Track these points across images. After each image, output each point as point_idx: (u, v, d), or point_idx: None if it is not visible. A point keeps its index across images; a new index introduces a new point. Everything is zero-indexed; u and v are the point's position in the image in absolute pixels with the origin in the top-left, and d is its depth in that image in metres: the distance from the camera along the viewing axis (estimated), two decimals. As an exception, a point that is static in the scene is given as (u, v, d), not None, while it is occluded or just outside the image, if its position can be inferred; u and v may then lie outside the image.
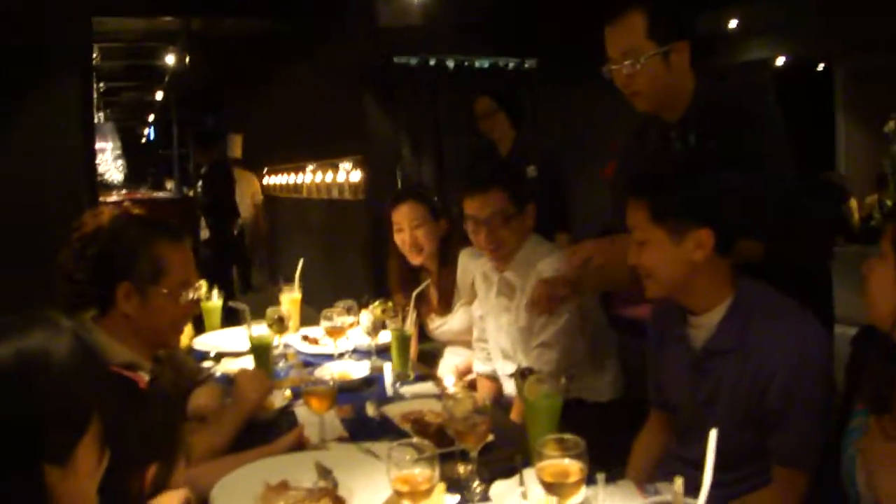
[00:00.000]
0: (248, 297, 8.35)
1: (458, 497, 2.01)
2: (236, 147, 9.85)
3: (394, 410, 2.73)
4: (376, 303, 3.49)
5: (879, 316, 1.82)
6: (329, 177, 9.07)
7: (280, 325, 3.49)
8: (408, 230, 3.73)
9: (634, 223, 2.23)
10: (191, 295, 2.45)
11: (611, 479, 2.00)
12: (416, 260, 3.81)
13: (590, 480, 1.82)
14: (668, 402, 2.49)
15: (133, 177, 23.06)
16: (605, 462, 1.95)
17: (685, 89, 2.70)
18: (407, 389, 3.08)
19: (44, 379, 1.18)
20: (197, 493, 1.77)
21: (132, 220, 2.44)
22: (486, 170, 4.17)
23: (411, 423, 2.57)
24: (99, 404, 1.24)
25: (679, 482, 1.51)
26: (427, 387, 3.12)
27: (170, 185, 19.48)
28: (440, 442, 2.24)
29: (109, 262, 2.30)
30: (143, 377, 1.48)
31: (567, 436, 1.80)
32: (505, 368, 3.35)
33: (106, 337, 2.23)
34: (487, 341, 3.53)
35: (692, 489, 1.60)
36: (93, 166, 6.76)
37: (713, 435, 1.52)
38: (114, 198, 10.48)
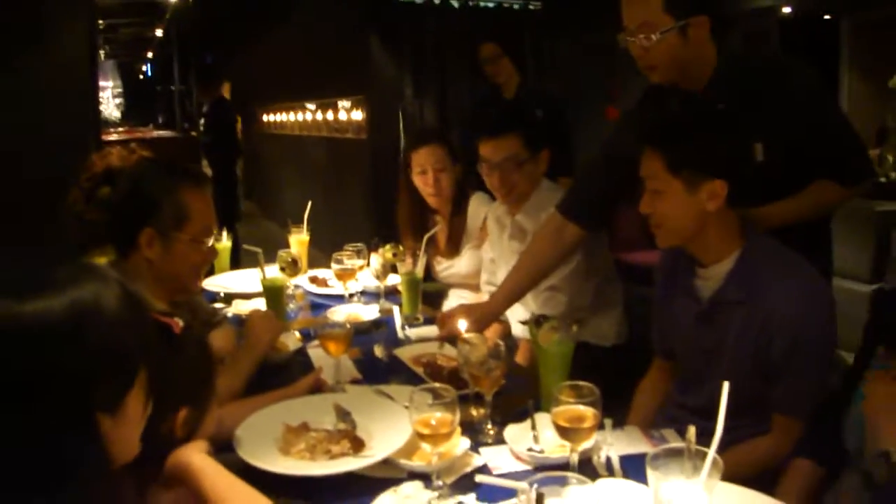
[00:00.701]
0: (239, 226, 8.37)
1: (470, 440, 2.04)
2: (225, 92, 9.82)
3: (405, 353, 2.79)
4: (387, 246, 3.54)
5: None
6: (330, 115, 9.07)
7: (293, 267, 3.52)
8: (431, 172, 3.75)
9: (650, 172, 2.25)
10: (211, 241, 2.47)
11: (617, 425, 2.06)
12: (434, 202, 3.85)
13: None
14: (673, 351, 2.54)
15: (130, 113, 23.03)
16: (610, 407, 2.00)
17: (706, 62, 2.58)
18: (415, 332, 3.13)
19: (97, 330, 1.19)
20: (219, 434, 1.81)
21: (156, 165, 2.45)
22: (501, 113, 4.19)
23: (424, 367, 2.64)
24: (146, 354, 1.27)
25: (692, 431, 1.55)
26: (433, 330, 3.13)
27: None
28: (454, 385, 2.24)
29: (133, 208, 2.31)
30: (178, 322, 1.51)
31: (582, 383, 1.84)
32: (515, 310, 3.36)
33: (126, 278, 2.27)
34: (496, 285, 3.54)
35: (697, 437, 1.64)
36: (96, 106, 6.75)
37: (725, 386, 1.55)
38: (114, 136, 10.43)
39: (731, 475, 1.69)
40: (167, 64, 16.25)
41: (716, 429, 1.52)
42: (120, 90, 22.00)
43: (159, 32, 15.09)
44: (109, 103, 21.04)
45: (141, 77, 24.24)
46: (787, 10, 10.35)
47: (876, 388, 1.87)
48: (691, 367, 2.46)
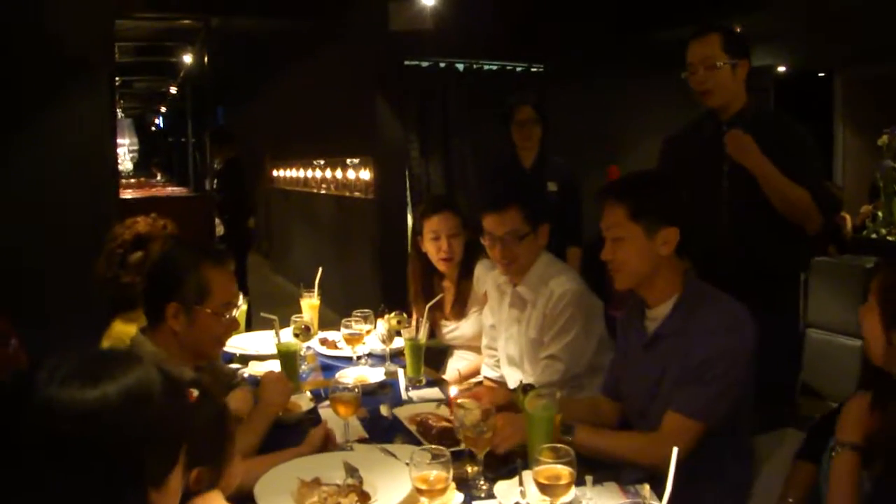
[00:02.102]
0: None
1: (464, 495, 2.29)
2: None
3: (403, 413, 3.03)
4: (392, 314, 3.75)
5: (873, 354, 2.11)
6: (339, 174, 9.28)
7: (307, 334, 3.73)
8: (445, 238, 3.93)
9: (612, 222, 2.65)
10: (233, 313, 2.74)
11: (597, 482, 2.31)
12: (446, 267, 4.02)
13: (579, 482, 2.13)
14: (622, 391, 2.87)
15: (142, 165, 23.24)
16: (594, 464, 2.28)
17: (739, 98, 3.50)
18: (417, 393, 3.36)
19: (145, 413, 1.32)
20: (239, 488, 2.00)
21: (181, 245, 2.74)
22: (505, 187, 4.39)
23: (417, 425, 2.89)
24: (188, 432, 1.42)
25: (646, 488, 1.82)
26: (435, 391, 3.42)
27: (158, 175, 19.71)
28: (441, 442, 2.59)
29: (159, 284, 2.62)
30: (193, 392, 1.71)
31: (560, 445, 2.10)
32: (511, 375, 3.59)
33: (156, 347, 2.54)
34: (496, 349, 3.76)
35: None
36: (115, 167, 7.00)
37: (675, 451, 1.82)
38: (129, 193, 10.65)
39: (604, 455, 2.23)
40: (179, 118, 16.48)
41: (665, 488, 1.78)
42: (136, 147, 22.27)
43: (173, 89, 15.37)
44: (125, 158, 21.30)
45: (154, 129, 24.51)
46: (782, 68, 10.56)
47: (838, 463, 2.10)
48: (636, 405, 2.76)
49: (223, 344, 2.83)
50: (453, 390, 3.09)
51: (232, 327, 2.76)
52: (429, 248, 4.01)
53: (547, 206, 4.53)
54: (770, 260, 3.48)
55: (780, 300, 3.58)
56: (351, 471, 2.31)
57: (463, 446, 2.45)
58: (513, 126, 5.32)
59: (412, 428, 2.90)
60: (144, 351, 2.52)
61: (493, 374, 3.80)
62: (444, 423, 2.81)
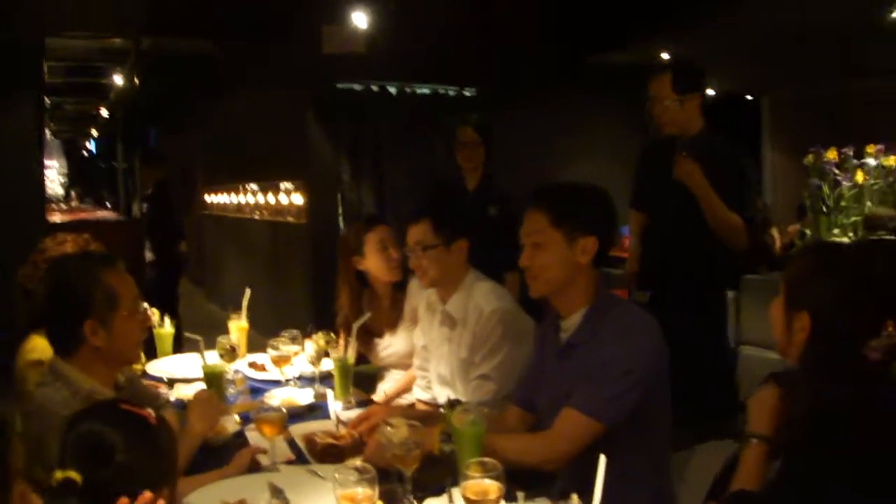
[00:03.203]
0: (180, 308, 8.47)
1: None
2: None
3: (296, 431, 2.97)
4: (319, 333, 3.70)
5: (777, 343, 2.14)
6: (271, 198, 9.22)
7: (232, 354, 3.66)
8: (393, 247, 3.94)
9: (533, 227, 2.69)
10: (140, 307, 2.70)
11: (529, 498, 2.28)
12: (394, 276, 4.02)
13: (510, 498, 2.09)
14: (533, 401, 2.88)
15: (73, 190, 22.93)
16: (526, 482, 2.26)
17: (693, 125, 4.09)
18: (346, 415, 3.28)
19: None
20: None
21: (71, 260, 2.66)
22: (421, 201, 4.40)
23: (305, 442, 2.86)
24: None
25: (574, 499, 1.80)
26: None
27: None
28: (324, 459, 2.69)
29: (68, 309, 2.51)
30: (150, 413, 1.67)
31: (487, 459, 2.07)
32: (443, 395, 3.55)
33: (76, 371, 2.48)
34: (428, 370, 3.74)
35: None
36: (42, 188, 6.88)
37: (602, 460, 1.81)
38: (57, 216, 10.48)
39: (501, 458, 2.09)
40: (111, 142, 16.31)
41: (593, 497, 1.77)
42: (65, 170, 21.98)
43: (104, 111, 15.18)
44: (55, 182, 21.02)
45: (85, 154, 24.20)
46: (711, 91, 10.70)
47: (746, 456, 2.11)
48: (547, 416, 2.72)
49: (140, 344, 2.76)
50: (337, 407, 3.12)
51: (145, 322, 2.80)
52: (375, 260, 3.98)
53: (486, 228, 4.51)
54: (704, 272, 4.03)
55: (713, 316, 3.75)
56: (276, 492, 2.26)
57: (352, 463, 2.39)
58: (456, 147, 5.30)
59: (301, 445, 2.87)
60: (71, 380, 2.45)
61: (424, 396, 3.77)
62: (329, 440, 2.81)
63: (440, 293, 3.56)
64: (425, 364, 3.76)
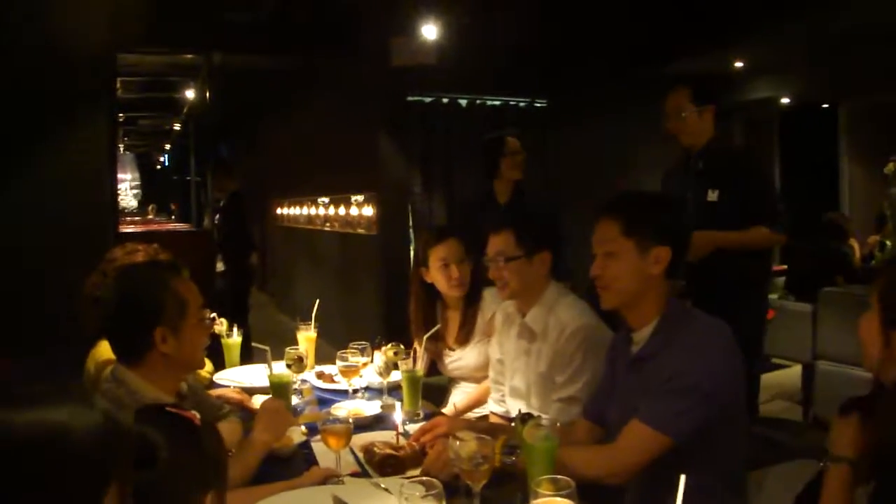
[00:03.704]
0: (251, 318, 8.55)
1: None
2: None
3: (356, 442, 2.87)
4: (389, 345, 3.65)
5: (868, 361, 2.02)
6: (342, 210, 9.24)
7: (299, 364, 3.64)
8: (454, 265, 3.88)
9: (605, 237, 2.62)
10: (206, 314, 2.70)
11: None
12: (457, 293, 3.95)
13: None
14: (604, 414, 2.80)
15: (146, 202, 23.36)
16: (597, 500, 2.17)
17: (706, 134, 4.39)
18: (414, 427, 3.21)
19: (59, 455, 1.16)
20: None
21: (140, 268, 2.64)
22: (503, 211, 4.37)
23: (364, 452, 2.81)
24: (121, 478, 1.24)
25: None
26: (435, 425, 3.30)
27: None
28: (383, 469, 2.64)
29: (138, 316, 2.50)
30: (196, 415, 1.65)
31: (560, 476, 1.99)
32: (516, 408, 3.41)
33: (139, 380, 2.46)
34: (503, 384, 3.65)
35: None
36: (115, 200, 6.96)
37: (682, 479, 1.72)
38: (130, 227, 10.64)
39: (566, 471, 2.01)
40: (184, 155, 16.56)
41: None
42: (138, 182, 22.39)
43: (177, 126, 15.42)
44: (128, 194, 21.41)
45: (158, 167, 24.65)
46: (785, 100, 10.55)
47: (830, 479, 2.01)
48: (618, 430, 2.61)
49: (204, 350, 2.74)
50: (398, 418, 3.05)
51: (210, 327, 2.82)
52: (437, 276, 3.94)
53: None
54: (730, 280, 4.16)
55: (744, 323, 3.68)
56: (340, 505, 2.22)
57: (410, 473, 2.46)
58: (503, 159, 5.41)
59: (360, 455, 2.83)
60: (133, 388, 2.43)
61: (499, 409, 3.69)
62: (389, 451, 2.74)
63: (519, 305, 3.49)
64: (500, 377, 3.68)
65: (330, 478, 2.57)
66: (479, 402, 3.97)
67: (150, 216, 20.35)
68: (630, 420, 2.50)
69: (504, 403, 3.65)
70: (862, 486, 1.91)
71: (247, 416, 3.27)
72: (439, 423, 2.92)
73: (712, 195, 4.27)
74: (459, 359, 4.08)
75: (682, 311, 2.64)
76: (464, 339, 4.03)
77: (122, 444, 1.26)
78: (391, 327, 5.15)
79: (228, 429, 2.89)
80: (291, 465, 2.76)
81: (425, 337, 3.71)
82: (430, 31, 7.20)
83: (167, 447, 1.32)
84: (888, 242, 7.77)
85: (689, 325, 2.57)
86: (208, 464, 1.61)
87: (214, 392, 3.59)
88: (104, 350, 3.05)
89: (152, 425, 1.33)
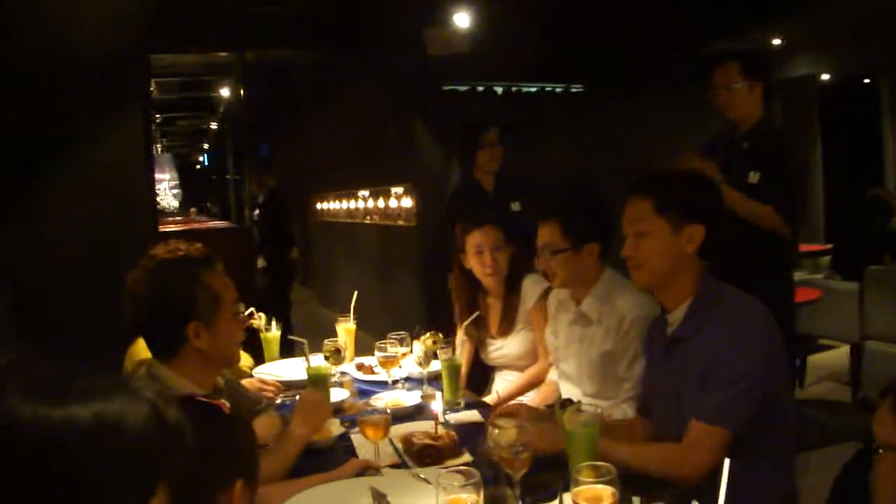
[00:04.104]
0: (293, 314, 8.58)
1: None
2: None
3: (395, 432, 2.86)
4: (427, 334, 3.60)
5: None
6: (381, 203, 9.24)
7: (337, 356, 3.63)
8: (488, 252, 3.86)
9: (637, 216, 2.58)
10: (240, 308, 2.68)
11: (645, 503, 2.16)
12: (491, 282, 3.95)
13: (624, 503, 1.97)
14: (651, 405, 2.76)
15: (186, 202, 23.53)
16: (641, 486, 2.13)
17: (756, 113, 4.24)
18: (455, 417, 3.23)
19: (117, 446, 1.14)
20: None
21: (172, 263, 2.62)
22: (552, 199, 4.35)
23: (403, 443, 2.78)
24: (168, 476, 1.22)
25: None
26: (473, 414, 3.28)
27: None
28: (421, 459, 2.60)
29: (172, 311, 2.48)
30: (226, 404, 1.63)
31: (601, 463, 1.95)
32: (568, 392, 3.42)
33: (174, 375, 2.44)
34: (560, 371, 3.60)
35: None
36: (153, 199, 6.99)
37: (727, 463, 1.67)
38: (171, 227, 10.70)
39: (627, 469, 1.98)
40: (222, 154, 16.66)
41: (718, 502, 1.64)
42: (177, 182, 22.53)
43: (214, 125, 15.52)
44: (167, 194, 21.55)
45: (197, 167, 24.84)
46: (825, 76, 10.39)
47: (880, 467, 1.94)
48: (663, 418, 2.64)
49: (240, 344, 2.72)
50: (437, 407, 3.04)
51: (245, 322, 2.79)
52: (473, 263, 3.94)
53: (510, 224, 4.37)
54: (754, 260, 3.95)
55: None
56: (378, 497, 2.18)
57: (449, 464, 2.44)
58: (479, 151, 5.36)
59: (399, 445, 2.80)
60: (168, 384, 2.41)
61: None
62: (428, 441, 2.71)
63: (573, 293, 3.43)
64: (557, 362, 3.63)
65: (367, 469, 2.55)
66: (523, 390, 3.94)
67: (192, 216, 20.51)
68: (672, 406, 2.49)
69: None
70: None
71: (286, 409, 3.26)
72: (515, 411, 2.91)
73: (754, 177, 4.14)
74: (502, 347, 4.06)
75: (716, 290, 2.58)
76: (506, 329, 4.01)
77: (169, 439, 1.24)
78: (432, 318, 5.13)
79: (267, 422, 2.88)
80: (330, 457, 2.73)
81: (465, 324, 3.67)
82: (462, 19, 7.17)
83: (194, 433, 1.28)
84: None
85: (724, 304, 2.52)
86: (237, 453, 1.60)
87: (252, 381, 3.59)
88: (141, 349, 3.04)
89: (182, 413, 1.30)
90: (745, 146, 4.24)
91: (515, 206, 5.26)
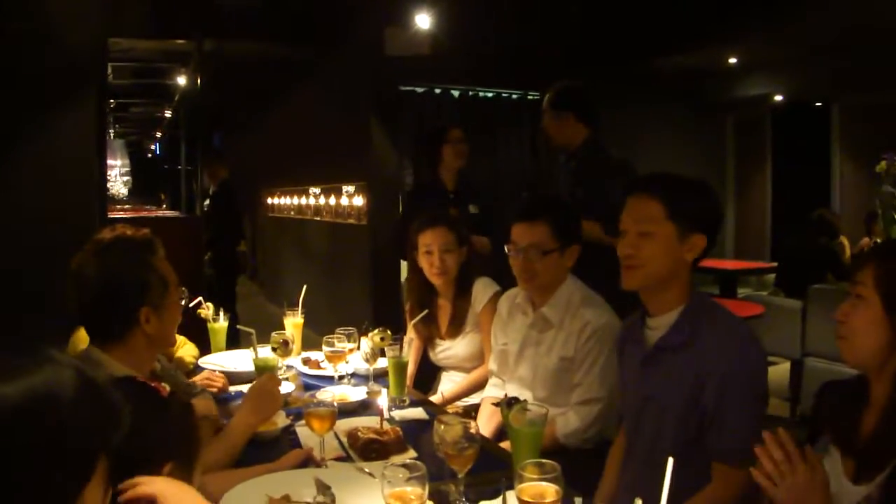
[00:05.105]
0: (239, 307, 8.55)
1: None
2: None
3: (341, 426, 2.84)
4: (376, 331, 3.60)
5: (858, 357, 1.99)
6: (332, 200, 9.21)
7: (285, 349, 3.59)
8: (437, 253, 3.87)
9: (645, 216, 2.50)
10: (183, 292, 2.72)
11: (587, 502, 2.18)
12: (438, 282, 3.95)
13: (567, 502, 1.98)
14: (619, 406, 2.78)
15: (137, 190, 23.28)
16: (584, 485, 2.16)
17: (577, 138, 4.60)
18: (400, 413, 3.23)
19: (53, 417, 1.12)
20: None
21: (120, 247, 2.60)
22: (537, 199, 4.37)
23: (347, 437, 2.79)
24: (105, 443, 1.20)
25: (639, 502, 1.68)
26: (418, 412, 3.29)
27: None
28: (365, 454, 2.62)
29: (124, 297, 2.46)
30: (165, 387, 1.63)
31: (545, 461, 1.96)
32: (522, 396, 3.43)
33: (113, 361, 2.41)
34: (505, 373, 3.58)
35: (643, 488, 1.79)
36: (104, 184, 6.93)
37: (670, 462, 1.69)
38: (119, 214, 10.59)
39: None
40: (175, 144, 16.52)
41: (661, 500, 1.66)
42: (128, 168, 22.31)
43: (168, 113, 15.36)
44: (117, 181, 21.33)
45: (149, 156, 24.57)
46: (778, 97, 10.54)
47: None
48: (631, 415, 2.64)
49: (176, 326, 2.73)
50: (383, 403, 3.06)
51: (183, 304, 2.77)
52: (422, 262, 3.95)
53: (469, 229, 4.42)
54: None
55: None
56: (323, 488, 2.17)
57: (394, 459, 2.46)
58: (445, 147, 5.40)
59: (344, 440, 2.81)
60: (107, 369, 2.39)
61: (499, 394, 3.48)
62: (372, 435, 2.71)
63: (534, 296, 3.41)
64: (503, 366, 3.60)
65: (310, 460, 2.56)
66: (469, 391, 3.96)
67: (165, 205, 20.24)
68: (648, 411, 2.52)
69: (504, 390, 3.55)
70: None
71: (230, 398, 3.29)
72: None
73: (579, 192, 4.50)
74: (449, 348, 4.07)
75: (708, 303, 2.56)
76: (454, 331, 4.02)
77: (106, 413, 1.22)
78: (379, 318, 5.14)
79: (201, 405, 2.85)
80: (275, 448, 2.73)
81: (411, 323, 3.68)
82: (423, 20, 7.16)
83: (132, 413, 1.27)
84: (879, 241, 7.74)
85: (716, 319, 2.48)
86: (171, 435, 1.61)
87: (199, 376, 3.56)
88: (84, 337, 3.01)
89: (120, 393, 1.28)
90: (573, 165, 4.66)
91: (473, 209, 5.30)
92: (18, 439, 1.08)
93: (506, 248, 3.39)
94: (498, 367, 3.64)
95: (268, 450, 2.71)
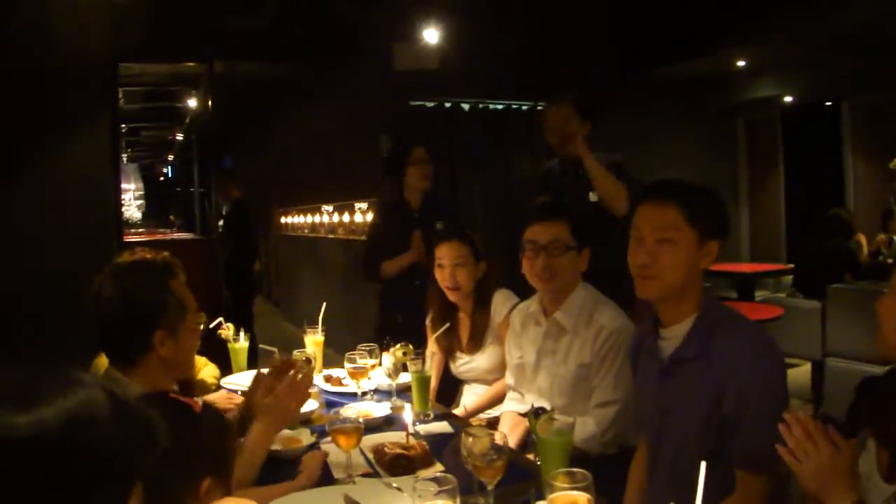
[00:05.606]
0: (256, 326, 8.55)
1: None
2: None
3: (366, 443, 2.84)
4: (397, 346, 3.59)
5: (891, 349, 1.97)
6: (346, 217, 9.22)
7: (307, 366, 3.61)
8: (448, 268, 3.89)
9: (666, 223, 2.43)
10: (201, 318, 2.73)
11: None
12: (451, 297, 3.96)
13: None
14: (638, 418, 2.73)
15: (151, 213, 23.35)
16: (615, 492, 2.15)
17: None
18: (424, 428, 3.23)
19: (91, 438, 1.11)
20: None
21: (139, 270, 2.60)
22: (551, 201, 4.38)
23: (374, 453, 2.79)
24: (143, 463, 1.19)
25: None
26: (443, 425, 3.28)
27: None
28: (392, 469, 2.60)
29: (141, 318, 2.48)
30: (198, 402, 1.63)
31: (576, 469, 1.95)
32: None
33: (132, 383, 2.42)
34: (523, 386, 3.58)
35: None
36: (119, 209, 6.95)
37: (703, 466, 1.69)
38: (134, 237, 10.63)
39: None
40: (187, 166, 16.56)
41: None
42: (142, 192, 22.40)
43: (180, 136, 15.42)
44: (132, 205, 21.42)
45: (162, 179, 24.65)
46: (788, 98, 10.52)
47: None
48: (651, 430, 2.60)
49: (195, 352, 2.75)
50: (408, 418, 3.00)
51: (200, 330, 2.75)
52: (437, 275, 3.97)
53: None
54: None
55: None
56: (352, 504, 2.19)
57: (420, 474, 2.44)
58: (409, 168, 5.28)
59: (370, 456, 2.80)
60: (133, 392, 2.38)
61: (520, 408, 3.55)
62: (399, 450, 2.71)
63: (547, 304, 3.43)
64: (521, 379, 3.60)
65: (325, 462, 2.62)
66: (491, 403, 3.95)
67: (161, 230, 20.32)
68: (667, 421, 2.49)
69: (522, 403, 3.57)
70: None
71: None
72: None
73: (593, 197, 4.42)
74: (470, 362, 4.07)
75: (719, 310, 2.50)
76: (474, 346, 4.02)
77: (141, 434, 1.20)
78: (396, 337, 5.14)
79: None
80: (300, 468, 2.68)
81: (434, 336, 3.68)
82: (431, 35, 7.18)
83: (167, 430, 1.26)
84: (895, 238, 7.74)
85: (731, 327, 2.41)
86: (208, 450, 1.63)
87: (220, 395, 3.57)
88: (105, 362, 3.02)
89: (153, 410, 1.28)
90: (582, 173, 4.47)
91: (439, 226, 5.19)
92: (59, 465, 1.06)
93: (522, 254, 3.40)
94: (515, 381, 3.63)
95: (292, 469, 2.68)
